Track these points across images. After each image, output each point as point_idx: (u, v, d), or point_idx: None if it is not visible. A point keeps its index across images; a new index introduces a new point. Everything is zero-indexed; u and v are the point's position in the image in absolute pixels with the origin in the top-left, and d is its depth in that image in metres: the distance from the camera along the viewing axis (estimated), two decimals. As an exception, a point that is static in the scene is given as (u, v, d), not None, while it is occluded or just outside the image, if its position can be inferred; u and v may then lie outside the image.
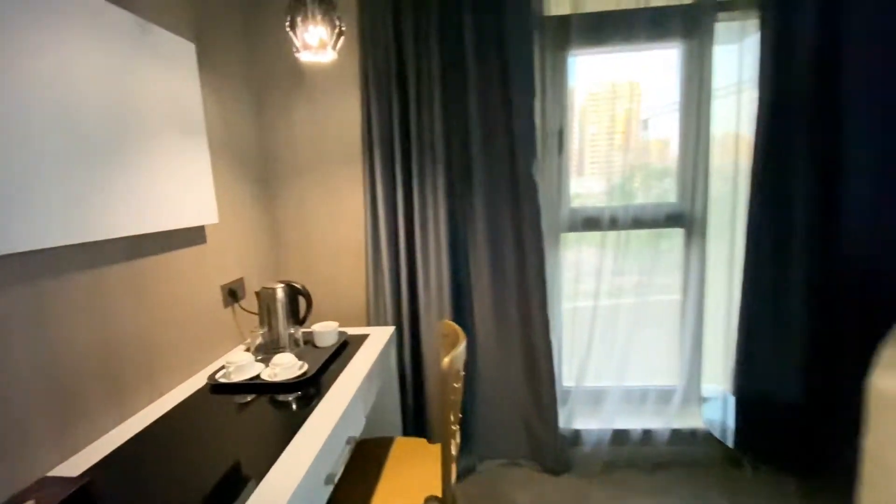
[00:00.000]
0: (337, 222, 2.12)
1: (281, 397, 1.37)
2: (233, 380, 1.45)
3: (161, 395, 1.39)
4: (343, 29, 1.45)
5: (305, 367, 1.50)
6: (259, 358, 1.58)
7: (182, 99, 1.46)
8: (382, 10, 1.87)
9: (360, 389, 1.42)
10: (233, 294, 1.79)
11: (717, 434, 2.03)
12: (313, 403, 1.30)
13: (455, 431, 1.42)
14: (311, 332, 1.75)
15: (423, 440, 1.67)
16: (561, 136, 1.98)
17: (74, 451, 1.10)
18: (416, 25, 1.85)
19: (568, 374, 2.16)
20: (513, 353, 2.05)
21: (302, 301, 1.78)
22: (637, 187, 2.00)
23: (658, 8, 1.85)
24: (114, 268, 1.24)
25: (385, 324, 2.05)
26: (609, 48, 1.93)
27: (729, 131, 1.92)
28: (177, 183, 1.43)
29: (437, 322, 1.96)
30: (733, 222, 1.93)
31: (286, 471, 0.99)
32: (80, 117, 1.10)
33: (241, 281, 1.85)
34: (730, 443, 2.00)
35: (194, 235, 1.59)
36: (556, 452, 2.06)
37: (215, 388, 1.44)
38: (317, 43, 1.41)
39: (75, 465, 1.05)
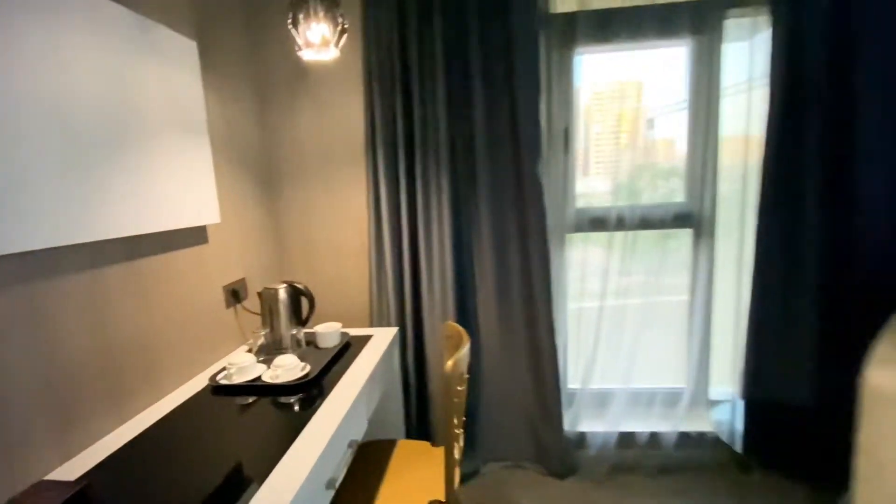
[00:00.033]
0: (340, 222, 2.10)
1: (282, 399, 1.35)
2: (234, 381, 1.44)
3: (161, 396, 1.38)
4: (346, 26, 1.43)
5: (307, 368, 1.49)
6: (261, 359, 1.57)
7: (183, 98, 1.45)
8: (386, 7, 1.85)
9: (362, 392, 1.40)
10: (235, 294, 1.78)
11: (725, 438, 1.99)
12: (315, 406, 1.29)
13: (459, 435, 1.40)
14: (313, 333, 1.73)
15: (427, 443, 1.65)
16: (567, 135, 1.96)
17: (72, 453, 1.08)
18: (420, 23, 1.83)
19: (573, 375, 2.13)
20: (517, 355, 2.03)
21: (304, 301, 1.77)
22: (644, 187, 1.97)
23: (666, 4, 1.82)
24: (113, 268, 1.22)
25: (388, 325, 2.03)
26: (616, 46, 1.90)
27: (738, 130, 1.89)
28: (178, 182, 1.41)
29: (441, 323, 1.94)
30: (742, 222, 1.90)
31: (286, 475, 0.97)
32: (78, 116, 1.08)
33: (243, 281, 1.84)
34: (738, 447, 1.97)
35: (196, 235, 1.57)
36: (561, 455, 2.04)
37: (216, 390, 1.43)
38: (319, 41, 1.40)
39: (73, 469, 1.03)
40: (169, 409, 1.30)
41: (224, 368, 1.48)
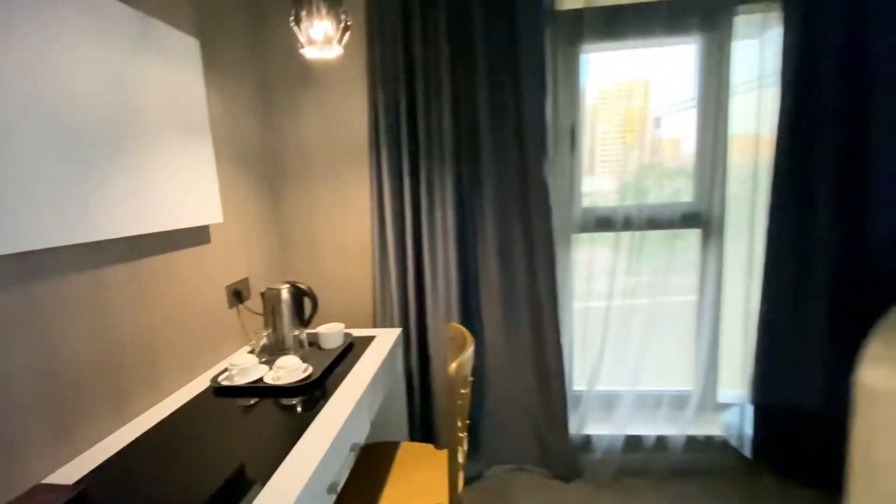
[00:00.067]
0: (343, 222, 2.09)
1: (284, 401, 1.34)
2: (236, 382, 1.42)
3: (163, 398, 1.37)
4: (349, 24, 1.42)
5: (310, 370, 1.47)
6: (263, 360, 1.56)
7: (185, 96, 1.44)
8: (390, 4, 1.83)
9: (364, 394, 1.39)
10: (237, 295, 1.77)
11: (734, 442, 1.96)
12: (317, 408, 1.27)
13: (462, 438, 1.38)
14: (316, 334, 1.71)
15: (430, 446, 1.63)
16: (573, 134, 1.93)
17: (72, 456, 1.07)
18: (424, 21, 1.81)
19: (579, 377, 2.11)
20: (522, 356, 2.00)
21: (307, 302, 1.75)
22: (651, 186, 1.94)
23: (675, 0, 1.79)
24: (114, 268, 1.21)
25: (391, 325, 2.01)
26: (623, 43, 1.87)
27: (748, 128, 1.86)
28: (179, 182, 1.40)
29: (445, 324, 1.92)
30: (752, 222, 1.86)
31: (287, 480, 0.96)
32: (79, 115, 1.07)
33: (245, 281, 1.83)
34: (747, 452, 1.94)
35: (198, 235, 1.56)
36: (566, 458, 2.01)
37: (218, 391, 1.41)
38: (322, 38, 1.38)
39: (72, 471, 1.02)
40: (170, 411, 1.29)
41: (226, 369, 1.47)
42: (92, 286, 1.14)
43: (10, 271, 0.95)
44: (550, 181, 1.86)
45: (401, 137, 1.89)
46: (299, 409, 1.28)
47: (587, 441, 2.07)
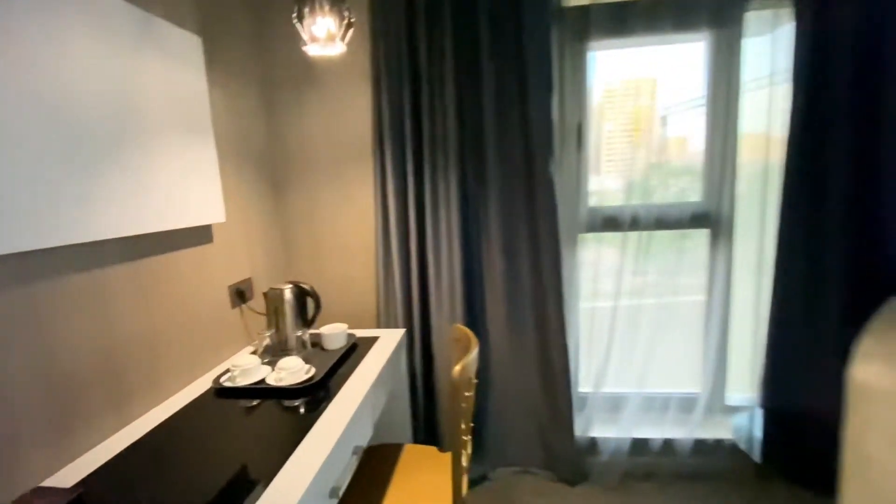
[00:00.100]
0: (347, 221, 2.07)
1: (286, 403, 1.32)
2: (238, 384, 1.41)
3: (164, 399, 1.36)
4: (352, 21, 1.40)
5: (312, 371, 1.46)
6: (266, 361, 1.54)
7: (187, 94, 1.42)
8: (394, 1, 1.81)
9: (367, 396, 1.37)
10: (240, 294, 1.75)
11: (743, 446, 1.93)
12: (319, 411, 1.25)
13: (466, 442, 1.36)
14: (319, 335, 1.70)
15: (434, 448, 1.62)
16: (580, 132, 1.90)
17: (71, 458, 1.06)
18: (428, 18, 1.79)
19: (585, 379, 2.08)
20: (527, 358, 1.98)
21: (310, 302, 1.74)
22: (659, 186, 1.91)
23: (684, -4, 1.76)
24: (115, 268, 1.20)
25: (395, 326, 2.00)
26: (631, 40, 1.84)
27: (759, 127, 1.82)
28: (181, 181, 1.39)
29: (449, 324, 1.90)
30: (763, 222, 1.83)
31: (288, 484, 0.94)
32: (79, 113, 1.06)
33: (248, 281, 1.81)
34: (756, 456, 1.90)
35: (200, 235, 1.55)
36: (571, 461, 1.99)
37: (220, 392, 1.40)
38: (324, 35, 1.36)
39: (72, 474, 1.01)
40: (171, 413, 1.28)
41: (228, 370, 1.46)
42: (92, 286, 1.13)
43: (9, 271, 0.94)
44: (556, 180, 1.83)
45: (405, 136, 1.87)
46: (301, 411, 1.27)
47: (593, 444, 2.04)
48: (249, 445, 1.10)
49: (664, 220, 1.91)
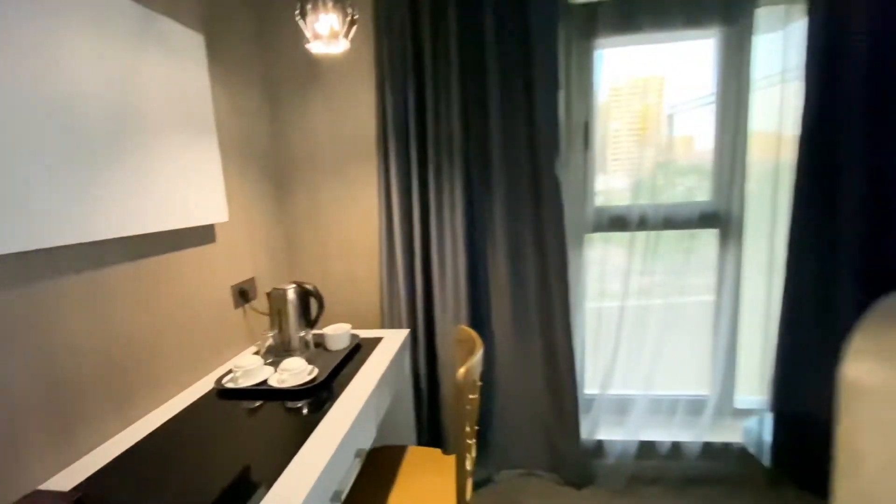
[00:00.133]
0: (351, 221, 2.06)
1: (289, 404, 1.31)
2: (240, 385, 1.40)
3: (166, 400, 1.35)
4: (356, 18, 1.38)
5: (315, 372, 1.44)
6: (268, 361, 1.53)
7: (190, 92, 1.41)
8: (399, -2, 1.79)
9: (371, 397, 1.35)
10: (243, 294, 1.74)
11: (752, 450, 1.89)
12: (321, 413, 1.24)
13: (471, 445, 1.34)
14: (322, 335, 1.69)
15: (438, 450, 1.60)
16: (587, 130, 1.87)
17: (72, 460, 1.05)
18: (433, 15, 1.76)
19: (591, 381, 2.06)
20: (533, 359, 1.95)
21: (313, 302, 1.72)
22: (667, 185, 1.88)
23: (694, -8, 1.73)
24: (116, 268, 1.19)
25: (399, 326, 1.98)
26: (639, 37, 1.81)
27: (769, 125, 1.79)
28: (184, 180, 1.37)
29: (454, 325, 1.88)
30: (773, 222, 1.80)
31: (290, 488, 0.93)
32: (80, 111, 1.05)
33: (252, 281, 1.80)
34: (766, 460, 1.87)
35: (203, 234, 1.54)
36: (577, 464, 1.96)
37: (222, 394, 1.39)
38: (328, 32, 1.34)
39: (71, 476, 1.00)
40: (173, 414, 1.27)
41: (230, 371, 1.45)
42: (93, 287, 1.12)
43: (8, 271, 0.93)
44: (563, 179, 1.81)
45: (409, 135, 1.85)
46: (304, 413, 1.26)
47: (599, 446, 2.01)
48: (251, 448, 1.09)
49: (672, 220, 1.88)
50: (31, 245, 0.94)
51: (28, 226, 0.93)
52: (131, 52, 1.19)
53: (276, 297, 1.63)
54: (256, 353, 1.62)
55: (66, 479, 0.99)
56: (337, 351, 1.64)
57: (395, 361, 1.66)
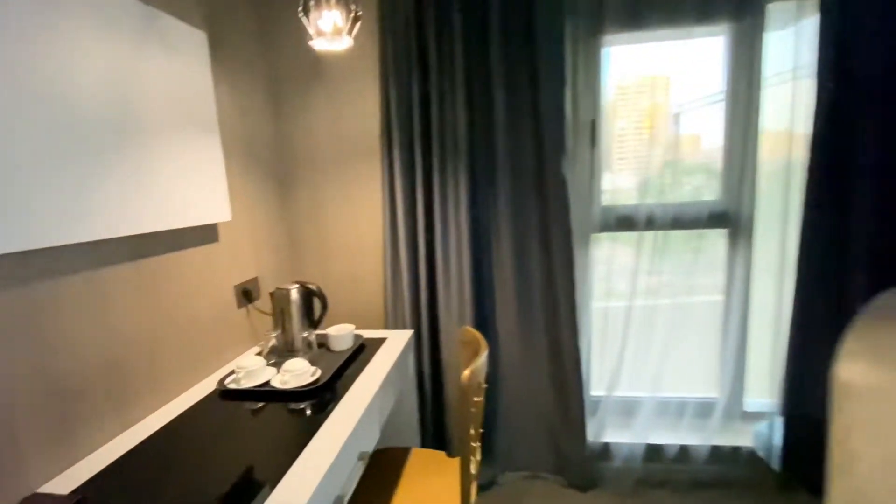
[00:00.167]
0: (354, 219, 2.04)
1: (292, 406, 1.29)
2: (242, 386, 1.39)
3: (167, 401, 1.33)
4: (359, 14, 1.36)
5: (318, 373, 1.43)
6: (271, 362, 1.51)
7: (192, 90, 1.40)
8: (403, -5, 1.77)
9: (374, 399, 1.34)
10: (247, 294, 1.73)
11: (762, 454, 1.86)
12: (324, 414, 1.22)
13: (476, 448, 1.31)
14: (325, 335, 1.67)
15: (442, 453, 1.58)
16: (593, 128, 1.85)
17: (71, 462, 1.04)
18: (438, 11, 1.74)
19: (597, 382, 2.03)
20: (538, 360, 1.93)
21: (317, 302, 1.71)
22: (675, 184, 1.84)
23: (704, -13, 1.70)
24: (117, 268, 1.18)
25: (403, 327, 1.96)
26: (648, 33, 1.78)
27: (780, 123, 1.75)
28: (186, 179, 1.36)
29: (458, 325, 1.86)
30: (784, 222, 1.76)
31: (291, 493, 0.91)
32: (81, 109, 1.04)
33: (255, 281, 1.79)
34: (776, 464, 1.84)
35: (205, 234, 1.52)
36: (583, 467, 1.94)
37: (224, 394, 1.37)
38: (331, 29, 1.32)
39: (70, 479, 0.99)
40: (175, 415, 1.26)
41: (233, 371, 1.43)
42: (94, 286, 1.11)
43: (8, 271, 0.92)
44: (569, 178, 1.78)
45: (413, 133, 1.83)
46: (306, 414, 1.24)
47: (605, 449, 1.99)
48: (253, 451, 1.07)
49: (681, 220, 1.85)
50: (30, 245, 0.93)
51: (27, 225, 0.92)
52: (133, 50, 1.18)
53: (280, 297, 1.61)
54: (259, 353, 1.60)
55: (66, 482, 0.98)
56: (340, 352, 1.63)
57: (399, 363, 1.64)
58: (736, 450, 1.89)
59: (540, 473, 2.03)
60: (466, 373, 1.13)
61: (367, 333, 1.84)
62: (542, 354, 1.92)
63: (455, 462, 1.52)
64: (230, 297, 1.64)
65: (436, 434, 2.00)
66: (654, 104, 1.85)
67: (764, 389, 1.90)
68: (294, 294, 1.61)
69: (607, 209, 1.93)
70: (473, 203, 1.85)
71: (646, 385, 1.93)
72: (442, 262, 1.87)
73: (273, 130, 1.98)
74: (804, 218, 1.68)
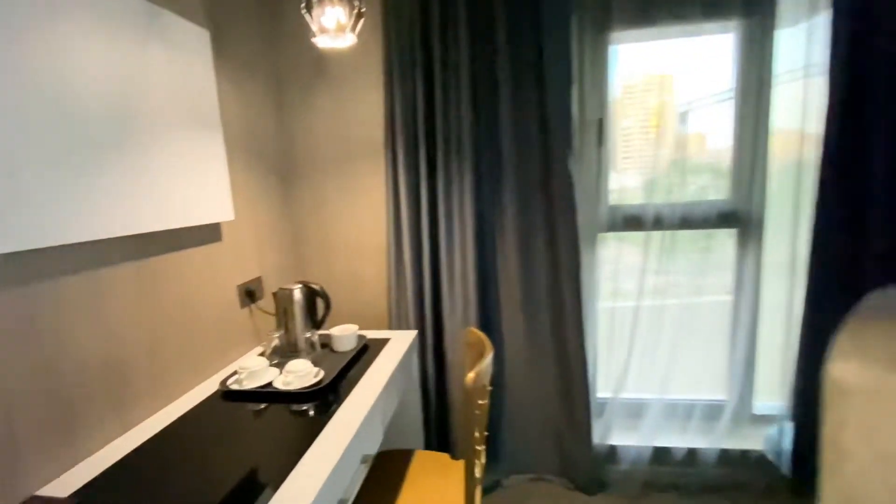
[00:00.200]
0: (358, 220, 2.02)
1: (294, 407, 1.28)
2: (245, 387, 1.37)
3: (169, 402, 1.32)
4: (363, 10, 1.34)
5: (321, 374, 1.41)
6: (274, 363, 1.50)
7: (195, 89, 1.39)
8: (407, -8, 1.75)
9: (378, 401, 1.32)
10: (250, 294, 1.72)
11: (771, 458, 1.83)
12: (327, 416, 1.20)
13: (480, 452, 1.29)
14: (329, 336, 1.65)
15: (446, 455, 1.56)
16: (600, 126, 1.82)
17: (72, 464, 1.03)
18: (442, 8, 1.72)
19: (604, 383, 2.00)
20: (544, 361, 1.91)
21: (320, 302, 1.69)
22: (683, 183, 1.81)
23: (713, -18, 1.67)
24: (119, 268, 1.17)
25: (407, 327, 1.94)
26: (655, 31, 1.75)
27: (792, 122, 1.72)
28: (188, 178, 1.35)
29: (462, 326, 1.84)
30: (795, 223, 1.73)
31: (293, 497, 0.89)
32: (80, 108, 1.02)
33: (258, 280, 1.78)
34: (786, 469, 1.80)
35: (208, 233, 1.51)
36: (589, 469, 1.91)
37: (226, 395, 1.36)
38: (334, 26, 1.31)
39: (70, 482, 0.98)
40: (176, 416, 1.24)
41: (236, 372, 1.42)
42: (95, 286, 1.10)
43: (8, 271, 0.91)
44: (576, 177, 1.76)
45: (418, 131, 1.81)
46: (309, 416, 1.22)
47: (612, 452, 1.96)
48: (254, 453, 1.06)
49: (689, 220, 1.82)
50: (30, 244, 0.91)
51: (26, 224, 0.90)
52: (135, 47, 1.17)
53: (283, 297, 1.60)
54: (262, 354, 1.59)
55: (65, 485, 0.97)
56: (344, 352, 1.61)
57: (403, 364, 1.62)
58: (745, 453, 1.86)
59: (545, 476, 2.01)
60: (471, 375, 1.11)
61: (371, 334, 1.82)
62: (547, 355, 1.90)
63: (459, 464, 1.50)
64: (233, 297, 1.63)
65: (440, 436, 1.98)
66: (660, 102, 1.82)
67: (774, 392, 1.87)
68: (297, 294, 1.60)
69: (614, 208, 1.90)
70: (478, 202, 1.83)
71: (653, 386, 1.91)
72: (446, 262, 1.85)
73: (276, 129, 1.97)
74: (816, 217, 1.64)
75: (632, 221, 1.88)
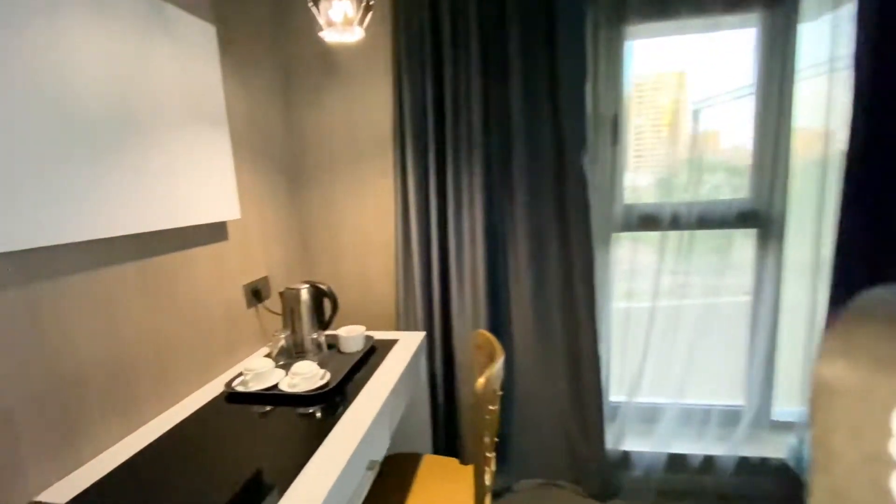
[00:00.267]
0: (366, 218, 1.99)
1: (300, 410, 1.25)
2: (250, 388, 1.35)
3: (173, 403, 1.30)
4: (371, 4, 1.31)
5: (327, 377, 1.38)
6: (280, 364, 1.47)
7: (200, 85, 1.36)
8: (417, -14, 1.71)
9: (385, 405, 1.28)
10: (256, 294, 1.69)
11: (792, 466, 1.77)
12: (333, 419, 1.17)
13: (490, 458, 1.25)
14: (336, 336, 1.62)
15: (455, 460, 1.52)
16: (616, 124, 1.77)
17: (73, 467, 1.01)
18: (453, 2, 1.68)
19: (617, 387, 1.95)
20: (555, 364, 1.86)
21: (327, 303, 1.66)
22: (699, 182, 1.76)
23: (734, -27, 1.61)
24: (122, 267, 1.14)
25: (415, 328, 1.91)
26: (673, 24, 1.70)
27: (815, 119, 1.66)
28: (194, 176, 1.32)
29: (472, 328, 1.80)
30: (819, 223, 1.66)
31: (299, 502, 0.86)
32: (84, 104, 1.00)
33: (265, 280, 1.75)
34: (807, 477, 1.74)
35: (214, 232, 1.49)
36: (601, 476, 1.86)
37: (231, 397, 1.34)
38: (342, 19, 1.28)
39: (70, 485, 0.95)
40: (180, 419, 1.22)
41: (241, 374, 1.39)
42: (98, 286, 1.07)
43: (9, 270, 0.89)
44: (589, 175, 1.71)
45: (427, 128, 1.78)
46: (315, 419, 1.19)
47: (625, 458, 1.91)
48: (259, 458, 1.03)
49: (707, 219, 1.76)
50: (31, 243, 0.89)
51: (27, 223, 0.88)
52: (138, 43, 1.14)
53: (289, 297, 1.57)
54: (268, 355, 1.56)
55: (66, 489, 0.94)
56: (351, 353, 1.58)
57: (411, 366, 1.59)
58: (764, 461, 1.79)
59: (556, 481, 1.96)
60: (481, 381, 1.07)
61: (378, 335, 1.79)
62: (559, 357, 1.85)
63: (468, 469, 1.47)
64: (239, 297, 1.61)
65: (448, 440, 1.94)
66: (676, 99, 1.77)
67: (794, 397, 1.80)
68: (304, 294, 1.57)
69: (629, 207, 1.85)
70: (489, 201, 1.79)
71: (668, 391, 1.85)
72: (455, 262, 1.81)
73: (283, 126, 1.95)
74: (840, 218, 1.58)
75: (647, 221, 1.82)
